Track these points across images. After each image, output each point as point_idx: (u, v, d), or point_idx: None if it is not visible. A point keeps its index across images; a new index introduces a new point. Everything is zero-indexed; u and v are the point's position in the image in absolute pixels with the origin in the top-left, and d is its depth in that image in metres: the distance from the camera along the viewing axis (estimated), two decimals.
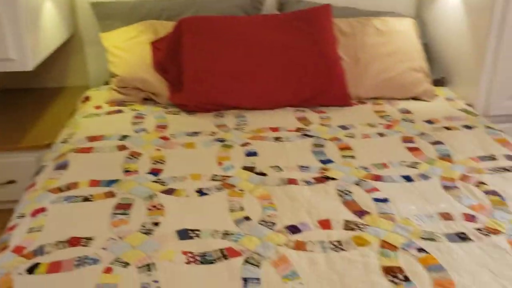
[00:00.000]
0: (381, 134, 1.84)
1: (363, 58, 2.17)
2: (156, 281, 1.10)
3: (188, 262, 1.17)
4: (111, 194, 1.44)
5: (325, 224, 1.32)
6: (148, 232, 1.27)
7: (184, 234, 1.27)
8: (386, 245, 1.24)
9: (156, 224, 1.31)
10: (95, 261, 1.16)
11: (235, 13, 2.28)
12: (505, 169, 1.61)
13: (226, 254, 1.20)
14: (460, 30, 2.22)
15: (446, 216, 1.36)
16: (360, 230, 1.30)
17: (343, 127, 1.90)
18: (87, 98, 2.16)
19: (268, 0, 2.41)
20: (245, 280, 1.12)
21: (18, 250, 1.21)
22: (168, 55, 2.07)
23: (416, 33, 2.30)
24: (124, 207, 1.38)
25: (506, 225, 1.33)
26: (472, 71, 2.14)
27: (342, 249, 1.23)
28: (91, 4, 2.28)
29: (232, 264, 1.17)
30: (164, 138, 1.79)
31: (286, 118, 1.97)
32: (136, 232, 1.27)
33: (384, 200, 1.43)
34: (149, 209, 1.37)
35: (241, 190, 1.47)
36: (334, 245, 1.24)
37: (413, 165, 1.63)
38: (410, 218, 1.35)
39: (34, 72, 2.40)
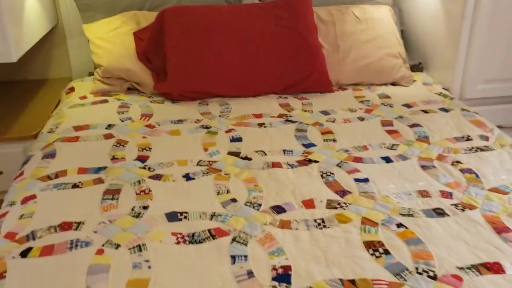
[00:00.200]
0: (361, 118, 1.90)
1: (342, 45, 2.22)
2: (147, 261, 1.14)
3: (178, 242, 1.21)
4: (99, 181, 1.47)
5: (308, 204, 1.38)
6: (137, 215, 1.31)
7: (172, 217, 1.31)
8: (367, 222, 1.30)
9: (145, 207, 1.34)
10: (87, 243, 1.20)
11: (217, 2, 2.31)
12: (480, 149, 1.68)
13: (214, 234, 1.24)
14: (435, 17, 2.28)
15: (424, 194, 1.43)
16: (342, 208, 1.36)
17: (325, 113, 1.95)
18: (71, 89, 2.17)
19: None
20: (233, 257, 1.16)
21: (10, 236, 1.23)
22: (151, 45, 2.09)
23: (393, 20, 2.36)
24: (113, 193, 1.41)
25: (481, 201, 1.40)
26: (447, 56, 2.21)
27: (325, 227, 1.28)
28: None
29: (220, 243, 1.21)
30: (150, 126, 1.82)
31: (269, 105, 2.02)
32: (126, 216, 1.31)
33: (365, 180, 1.49)
34: (138, 194, 1.41)
35: (227, 174, 1.52)
36: (318, 223, 1.29)
37: (392, 147, 1.69)
38: (389, 196, 1.41)
39: (17, 64, 2.40)
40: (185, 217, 1.31)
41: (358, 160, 1.61)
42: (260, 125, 1.84)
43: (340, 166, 1.57)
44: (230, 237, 1.23)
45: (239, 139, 1.73)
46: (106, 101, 2.03)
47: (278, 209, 1.35)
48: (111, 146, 1.67)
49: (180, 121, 1.87)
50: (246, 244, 1.21)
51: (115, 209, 1.34)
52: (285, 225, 1.29)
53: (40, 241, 1.21)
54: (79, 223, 1.27)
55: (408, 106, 2.02)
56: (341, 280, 1.10)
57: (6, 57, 1.79)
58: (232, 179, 1.49)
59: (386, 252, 1.19)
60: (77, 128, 1.79)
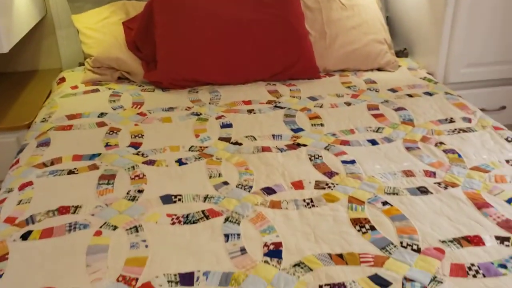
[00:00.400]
0: (348, 103, 1.95)
1: (329, 32, 2.27)
2: (144, 240, 1.19)
3: (173, 223, 1.26)
4: (94, 167, 1.51)
5: (297, 185, 1.43)
6: (133, 199, 1.35)
7: (167, 199, 1.36)
8: (354, 200, 1.35)
9: (140, 191, 1.39)
10: (85, 226, 1.24)
11: None
12: (462, 130, 1.74)
13: (207, 214, 1.29)
14: (419, 4, 2.34)
15: (408, 173, 1.49)
16: (330, 188, 1.41)
17: (312, 98, 2.01)
18: (62, 79, 2.20)
19: None
20: (227, 236, 1.21)
21: (10, 220, 1.27)
22: (140, 34, 2.12)
23: (379, 7, 2.41)
24: (108, 178, 1.45)
25: (463, 179, 1.46)
26: (431, 42, 2.27)
27: (314, 206, 1.33)
28: None
29: (214, 223, 1.26)
30: (141, 114, 1.86)
31: (258, 91, 2.06)
32: (122, 199, 1.35)
33: (352, 162, 1.54)
34: (132, 179, 1.45)
35: (218, 159, 1.56)
36: (307, 202, 1.35)
37: (378, 130, 1.75)
38: (375, 176, 1.47)
39: (7, 56, 2.42)
40: (179, 200, 1.35)
41: (345, 143, 1.66)
42: (250, 111, 1.88)
43: (327, 149, 1.62)
44: (223, 217, 1.28)
45: (229, 125, 1.78)
46: (97, 90, 2.06)
47: (269, 191, 1.40)
48: (104, 133, 1.71)
49: (171, 108, 1.91)
50: (238, 224, 1.26)
51: (110, 193, 1.38)
52: (275, 205, 1.34)
53: (39, 225, 1.25)
54: (76, 207, 1.32)
55: (393, 90, 2.07)
56: (329, 254, 1.15)
57: None
58: (223, 163, 1.54)
59: (372, 228, 1.25)
60: (70, 117, 1.82)
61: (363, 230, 1.24)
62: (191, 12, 2.10)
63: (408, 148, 1.63)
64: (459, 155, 1.58)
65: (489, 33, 2.23)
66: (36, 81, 2.38)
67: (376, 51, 2.27)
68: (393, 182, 1.45)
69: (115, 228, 1.24)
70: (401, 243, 1.19)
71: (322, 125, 1.79)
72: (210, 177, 1.47)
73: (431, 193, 1.39)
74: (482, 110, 2.21)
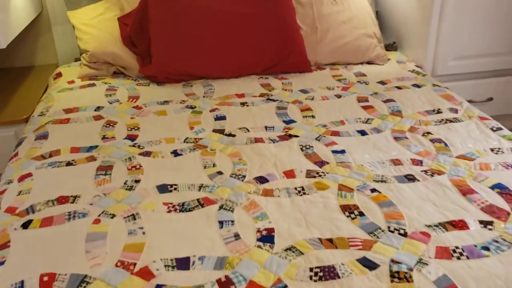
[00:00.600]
0: (338, 96, 2.00)
1: (320, 26, 2.31)
2: (141, 228, 1.24)
3: (169, 211, 1.31)
4: (92, 158, 1.55)
5: (289, 174, 1.48)
6: (130, 188, 1.40)
7: (163, 188, 1.40)
8: (344, 188, 1.40)
9: (137, 181, 1.43)
10: (84, 214, 1.29)
11: None
12: (449, 120, 1.80)
13: (202, 203, 1.34)
14: None
15: (396, 162, 1.54)
16: (321, 177, 1.46)
17: (304, 91, 2.05)
18: (58, 75, 2.24)
19: None
20: (221, 222, 1.26)
21: (11, 210, 1.32)
22: (135, 30, 2.16)
23: (368, 1, 2.46)
24: (105, 169, 1.49)
25: (449, 167, 1.51)
26: (420, 36, 2.32)
27: (305, 193, 1.38)
28: None
29: (208, 211, 1.31)
30: (137, 107, 1.91)
31: (251, 85, 2.11)
32: (119, 189, 1.40)
33: (342, 152, 1.59)
34: (129, 169, 1.49)
35: (212, 150, 1.61)
36: (298, 190, 1.40)
37: (367, 121, 1.80)
38: (364, 165, 1.52)
39: (3, 52, 2.45)
40: (175, 189, 1.40)
41: (335, 133, 1.71)
42: (243, 104, 1.93)
43: (318, 140, 1.67)
44: (217, 205, 1.33)
45: (223, 118, 1.82)
46: (93, 85, 2.10)
47: (261, 180, 1.45)
48: (101, 126, 1.75)
49: (166, 102, 1.95)
50: (232, 211, 1.31)
51: (108, 183, 1.43)
52: (268, 193, 1.39)
53: (39, 214, 1.29)
54: (75, 197, 1.36)
55: (382, 83, 2.12)
56: (320, 239, 1.20)
57: None
58: (217, 154, 1.59)
59: (361, 214, 1.30)
60: (67, 111, 1.86)
61: (352, 216, 1.29)
62: (185, 7, 2.14)
63: (396, 138, 1.68)
64: (446, 144, 1.64)
65: (476, 26, 2.28)
66: (33, 77, 2.41)
67: (366, 45, 2.32)
68: (381, 170, 1.50)
69: (113, 216, 1.28)
70: (389, 227, 1.24)
71: (313, 116, 1.83)
72: (205, 167, 1.51)
73: (418, 180, 1.44)
74: (470, 101, 2.26)
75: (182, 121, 1.80)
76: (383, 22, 2.59)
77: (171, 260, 1.13)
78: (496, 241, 1.19)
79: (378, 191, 1.39)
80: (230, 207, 1.32)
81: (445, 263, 1.13)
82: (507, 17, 2.29)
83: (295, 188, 1.40)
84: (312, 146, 1.63)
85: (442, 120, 1.80)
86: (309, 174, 1.48)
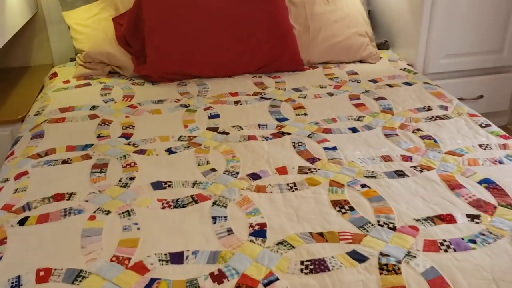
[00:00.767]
0: (330, 94, 2.03)
1: (312, 25, 2.34)
2: (136, 224, 1.26)
3: (163, 207, 1.33)
4: (87, 157, 1.57)
5: (281, 171, 1.50)
6: (125, 185, 1.42)
7: (157, 185, 1.43)
8: (334, 184, 1.43)
9: (131, 178, 1.46)
10: (79, 211, 1.31)
11: None
12: (439, 117, 1.83)
13: (196, 199, 1.37)
14: None
15: (386, 158, 1.57)
16: (312, 173, 1.49)
17: (297, 89, 2.08)
18: (54, 74, 2.26)
19: None
20: (214, 218, 1.29)
21: (7, 208, 1.34)
22: (130, 30, 2.19)
23: (360, 1, 2.49)
24: (100, 167, 1.52)
25: (438, 163, 1.54)
26: (411, 34, 2.36)
27: (297, 189, 1.41)
28: None
29: (202, 207, 1.33)
30: (132, 106, 1.93)
31: (245, 83, 2.14)
32: (114, 186, 1.42)
33: (333, 148, 1.62)
34: (124, 167, 1.52)
35: (206, 148, 1.63)
36: (290, 186, 1.42)
37: (359, 119, 1.83)
38: (355, 161, 1.55)
39: None
40: (169, 186, 1.43)
41: (327, 131, 1.74)
42: (236, 102, 1.96)
43: (310, 137, 1.70)
44: (211, 201, 1.35)
45: (217, 116, 1.85)
46: (88, 84, 2.12)
47: (254, 176, 1.48)
48: (96, 125, 1.78)
49: (160, 101, 1.98)
50: (225, 207, 1.33)
51: (103, 180, 1.45)
52: (260, 189, 1.41)
53: (35, 211, 1.32)
54: (71, 194, 1.38)
55: (374, 81, 2.16)
56: (311, 233, 1.23)
57: None
58: (211, 151, 1.61)
59: (351, 208, 1.33)
60: (63, 110, 1.88)
61: (343, 210, 1.32)
62: (178, 7, 2.17)
63: (387, 135, 1.71)
64: (435, 141, 1.67)
65: (466, 25, 2.32)
66: (28, 77, 2.43)
67: (358, 44, 2.35)
68: (371, 166, 1.52)
69: (108, 212, 1.30)
70: (378, 222, 1.27)
71: (305, 114, 1.86)
72: (199, 164, 1.54)
73: (407, 176, 1.47)
74: (461, 99, 2.30)
75: (177, 119, 1.83)
76: (375, 21, 2.62)
77: (165, 254, 1.16)
78: (483, 234, 1.22)
79: (368, 187, 1.42)
80: (223, 203, 1.35)
81: (432, 256, 1.15)
82: (496, 15, 2.33)
83: (287, 184, 1.43)
84: (304, 143, 1.65)
85: (432, 117, 1.83)
86: (301, 170, 1.50)
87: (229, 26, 2.19)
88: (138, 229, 1.25)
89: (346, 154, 1.59)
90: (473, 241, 1.20)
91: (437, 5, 2.23)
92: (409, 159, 1.57)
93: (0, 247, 1.19)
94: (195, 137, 1.71)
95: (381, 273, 1.10)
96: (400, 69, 2.29)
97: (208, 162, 1.55)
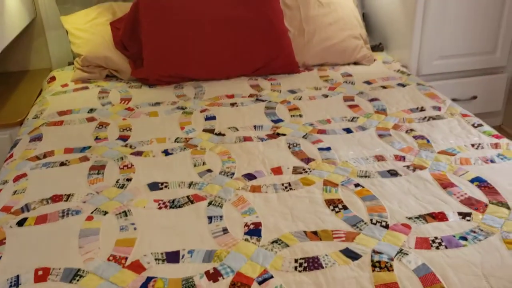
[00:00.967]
0: (325, 95, 2.06)
1: (307, 28, 2.37)
2: (133, 224, 1.28)
3: (160, 208, 1.35)
4: (85, 159, 1.60)
5: (276, 171, 1.53)
6: (122, 186, 1.45)
7: (154, 186, 1.45)
8: (328, 183, 1.46)
9: (128, 180, 1.48)
10: (77, 212, 1.33)
11: None
12: (432, 118, 1.85)
13: (192, 199, 1.39)
14: (393, 1, 2.44)
15: (380, 158, 1.59)
16: (307, 173, 1.51)
17: (292, 91, 2.11)
18: (52, 78, 2.29)
19: None
20: (210, 218, 1.31)
21: (6, 209, 1.36)
22: (127, 34, 2.22)
23: (355, 3, 2.52)
24: (98, 168, 1.54)
25: (430, 162, 1.57)
26: (405, 36, 2.38)
27: (291, 189, 1.43)
28: None
29: (198, 207, 1.36)
30: (129, 109, 1.95)
31: (241, 86, 2.16)
32: (111, 187, 1.45)
33: (327, 149, 1.65)
34: (121, 168, 1.54)
35: (202, 149, 1.66)
36: (285, 186, 1.45)
37: (353, 119, 1.85)
38: (349, 161, 1.57)
39: None
40: (166, 187, 1.45)
41: (321, 132, 1.76)
42: (232, 104, 1.98)
43: (305, 138, 1.72)
44: (206, 202, 1.38)
45: (213, 118, 1.87)
46: (86, 88, 2.15)
47: (250, 176, 1.50)
48: (94, 128, 1.80)
49: (157, 103, 2.00)
50: (221, 207, 1.36)
51: (101, 182, 1.47)
52: (255, 189, 1.43)
53: (34, 212, 1.34)
54: (68, 195, 1.41)
55: (368, 82, 2.18)
56: (305, 232, 1.25)
57: None
58: (207, 152, 1.63)
59: (345, 207, 1.35)
60: (61, 113, 1.91)
61: (336, 209, 1.34)
62: (174, 11, 2.20)
63: (380, 136, 1.73)
64: (428, 141, 1.69)
65: (459, 27, 2.34)
66: (27, 81, 2.45)
67: (353, 46, 2.38)
68: (365, 166, 1.55)
69: (105, 213, 1.33)
70: (371, 220, 1.29)
71: (300, 116, 1.89)
72: (195, 165, 1.56)
73: (400, 175, 1.49)
74: (454, 100, 2.33)
75: (173, 121, 1.85)
76: (369, 23, 2.65)
77: (161, 253, 1.18)
78: (474, 231, 1.24)
79: (361, 186, 1.44)
80: (219, 203, 1.37)
81: (424, 253, 1.17)
82: (487, 17, 2.35)
83: (282, 184, 1.45)
84: (299, 144, 1.68)
85: (425, 117, 1.86)
86: (295, 170, 1.53)
87: (225, 29, 2.21)
88: (135, 229, 1.27)
89: (340, 154, 1.62)
90: (464, 238, 1.22)
91: (430, 7, 2.26)
92: (402, 158, 1.59)
93: None
94: (191, 138, 1.73)
95: (373, 270, 1.12)
96: (394, 70, 2.32)
97: (204, 163, 1.57)
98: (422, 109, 1.92)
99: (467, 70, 2.45)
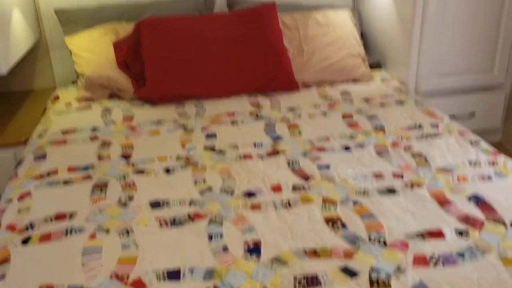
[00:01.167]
0: (324, 113, 2.09)
1: (306, 48, 2.42)
2: (134, 242, 1.31)
3: (161, 226, 1.38)
4: (88, 177, 1.63)
5: (276, 188, 1.55)
6: (124, 205, 1.47)
7: (155, 205, 1.47)
8: (327, 201, 1.48)
9: (130, 198, 1.51)
10: (80, 230, 1.36)
11: (190, 12, 2.48)
12: (430, 135, 1.88)
13: (193, 217, 1.41)
14: (390, 19, 2.49)
15: (378, 176, 1.61)
16: (306, 191, 1.53)
17: (291, 109, 2.14)
18: (56, 97, 2.33)
19: (218, 0, 2.63)
20: (210, 236, 1.33)
21: (11, 228, 1.39)
22: (130, 54, 2.26)
23: (353, 23, 2.56)
24: (101, 187, 1.57)
25: (428, 180, 1.58)
26: (402, 54, 2.42)
27: (291, 207, 1.45)
28: (55, 11, 2.44)
29: (198, 225, 1.38)
30: (132, 127, 1.99)
31: (241, 104, 2.20)
32: (114, 205, 1.47)
33: (326, 167, 1.67)
34: (123, 187, 1.57)
35: (203, 167, 1.68)
36: (284, 204, 1.47)
37: (352, 137, 1.88)
38: (347, 179, 1.60)
39: (3, 77, 2.53)
40: (167, 205, 1.47)
41: (320, 149, 1.79)
42: (233, 122, 2.01)
43: (304, 155, 1.75)
44: (207, 220, 1.40)
45: (213, 135, 1.90)
46: (90, 107, 2.19)
47: (250, 194, 1.52)
48: (97, 146, 1.83)
49: (159, 122, 2.03)
50: (221, 225, 1.38)
51: (103, 200, 1.50)
52: (255, 207, 1.46)
53: (38, 230, 1.36)
54: (72, 214, 1.43)
55: (367, 100, 2.21)
56: (304, 249, 1.27)
57: None
58: (208, 170, 1.66)
59: (343, 225, 1.37)
60: (65, 132, 1.94)
61: (335, 227, 1.36)
62: (176, 32, 2.24)
63: (379, 153, 1.76)
64: (426, 158, 1.71)
65: (456, 44, 2.38)
66: (31, 100, 2.49)
67: (351, 65, 2.42)
68: (363, 184, 1.57)
69: (108, 231, 1.35)
70: (369, 238, 1.31)
71: (300, 133, 1.92)
72: (196, 183, 1.59)
73: (398, 192, 1.52)
74: (453, 116, 2.35)
75: (174, 139, 1.88)
76: (367, 41, 2.69)
77: (163, 271, 1.20)
78: (471, 249, 1.26)
79: (360, 203, 1.46)
80: (219, 221, 1.39)
81: (422, 270, 1.19)
82: (484, 35, 2.39)
83: (282, 202, 1.48)
84: (298, 162, 1.70)
85: (423, 135, 1.88)
86: (295, 188, 1.55)
87: (226, 49, 2.26)
88: (137, 247, 1.29)
89: (339, 171, 1.64)
90: (462, 256, 1.24)
91: (427, 25, 2.29)
92: (400, 176, 1.61)
93: (3, 266, 1.23)
94: (192, 156, 1.76)
95: None
96: (392, 88, 2.35)
97: (204, 181, 1.60)
98: (420, 127, 1.94)
99: (465, 87, 2.48)
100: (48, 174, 1.65)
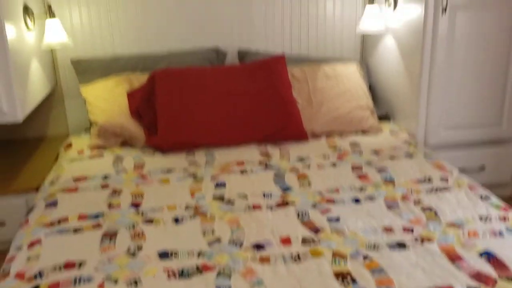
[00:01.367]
0: (333, 164, 2.10)
1: (315, 100, 2.46)
2: None
3: (169, 277, 1.37)
4: (98, 225, 1.63)
5: (285, 241, 1.54)
6: (133, 254, 1.47)
7: (164, 255, 1.47)
8: (337, 255, 1.47)
9: (139, 248, 1.51)
10: (89, 279, 1.35)
11: (203, 64, 2.55)
12: (439, 189, 1.88)
13: (201, 269, 1.40)
14: (398, 72, 2.54)
15: (388, 229, 1.60)
16: (315, 244, 1.53)
17: (300, 159, 2.16)
18: (69, 145, 2.37)
19: (230, 52, 2.70)
20: None
21: (20, 276, 1.38)
22: (143, 103, 2.31)
23: (361, 75, 2.62)
24: (110, 236, 1.57)
25: (438, 234, 1.57)
26: (411, 106, 2.45)
27: (300, 260, 1.44)
28: (71, 61, 2.52)
29: (206, 277, 1.37)
30: (142, 176, 2.01)
31: (250, 153, 2.22)
32: (123, 255, 1.47)
33: (336, 219, 1.67)
34: (132, 236, 1.57)
35: (212, 217, 1.69)
36: (294, 257, 1.46)
37: (361, 189, 1.88)
38: (357, 232, 1.59)
39: (18, 124, 2.58)
40: (175, 255, 1.47)
41: (330, 201, 1.79)
42: (242, 171, 2.03)
43: (314, 207, 1.75)
44: (215, 272, 1.39)
45: (223, 185, 1.92)
46: (102, 154, 2.22)
47: (258, 246, 1.52)
48: (107, 195, 1.85)
49: (169, 170, 2.05)
50: (229, 277, 1.37)
51: (112, 250, 1.50)
52: (264, 260, 1.45)
53: (46, 279, 1.36)
54: (81, 262, 1.43)
55: (376, 152, 2.23)
56: None
57: (13, 117, 1.97)
58: (216, 221, 1.66)
59: (353, 280, 1.35)
60: (76, 180, 1.97)
61: (345, 282, 1.35)
62: (189, 83, 2.30)
63: (389, 206, 1.76)
64: (436, 213, 1.71)
65: (465, 97, 2.41)
66: (44, 147, 2.53)
67: (359, 117, 2.45)
68: (374, 237, 1.56)
69: (116, 281, 1.34)
70: None
71: (309, 184, 1.92)
72: (204, 234, 1.58)
73: (409, 247, 1.50)
74: (462, 170, 2.35)
75: (184, 188, 1.89)
76: (376, 94, 2.73)
77: None
78: None
79: (370, 258, 1.45)
80: (228, 274, 1.38)
81: None
82: (493, 90, 2.42)
83: (291, 255, 1.47)
84: (308, 213, 1.70)
85: (433, 188, 1.88)
86: (304, 241, 1.54)
87: (236, 100, 2.31)
88: None
89: (349, 224, 1.63)
90: None
91: (435, 78, 2.33)
92: (410, 230, 1.60)
93: None
94: (201, 206, 1.76)
95: None
96: (401, 140, 2.36)
97: (213, 232, 1.60)
98: (429, 180, 1.95)
99: (474, 140, 2.49)
100: (59, 221, 1.66)
